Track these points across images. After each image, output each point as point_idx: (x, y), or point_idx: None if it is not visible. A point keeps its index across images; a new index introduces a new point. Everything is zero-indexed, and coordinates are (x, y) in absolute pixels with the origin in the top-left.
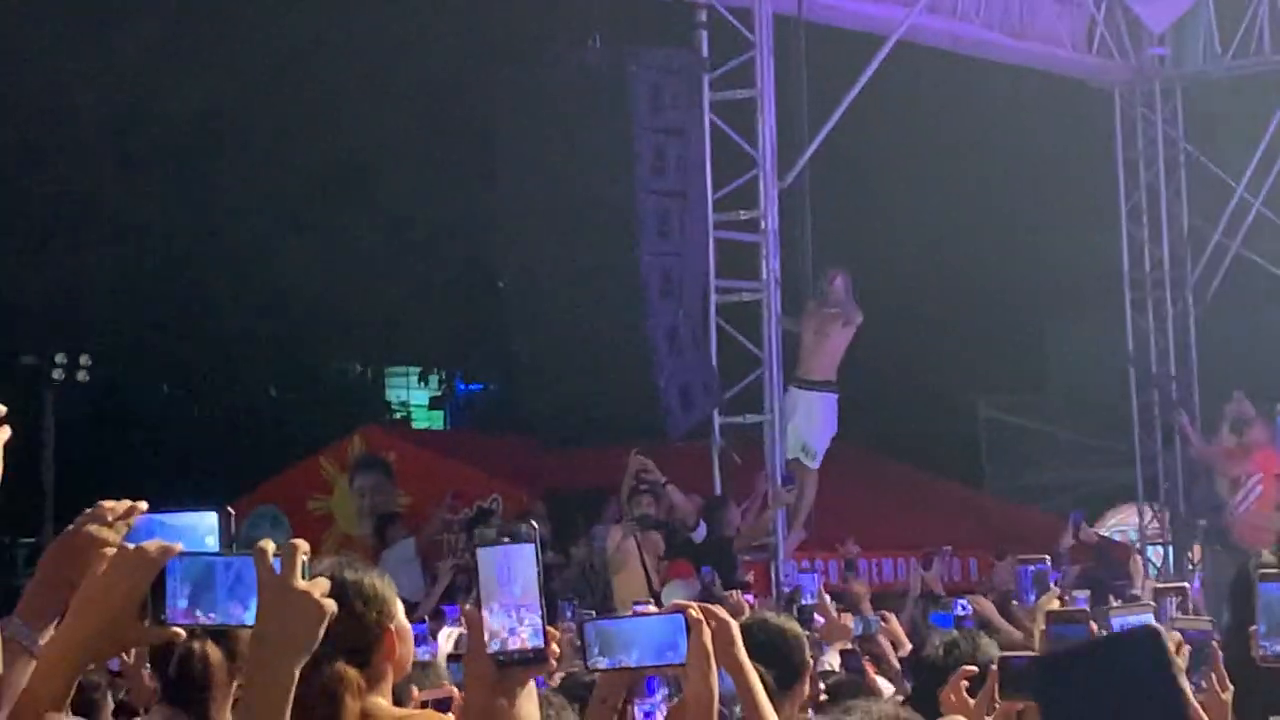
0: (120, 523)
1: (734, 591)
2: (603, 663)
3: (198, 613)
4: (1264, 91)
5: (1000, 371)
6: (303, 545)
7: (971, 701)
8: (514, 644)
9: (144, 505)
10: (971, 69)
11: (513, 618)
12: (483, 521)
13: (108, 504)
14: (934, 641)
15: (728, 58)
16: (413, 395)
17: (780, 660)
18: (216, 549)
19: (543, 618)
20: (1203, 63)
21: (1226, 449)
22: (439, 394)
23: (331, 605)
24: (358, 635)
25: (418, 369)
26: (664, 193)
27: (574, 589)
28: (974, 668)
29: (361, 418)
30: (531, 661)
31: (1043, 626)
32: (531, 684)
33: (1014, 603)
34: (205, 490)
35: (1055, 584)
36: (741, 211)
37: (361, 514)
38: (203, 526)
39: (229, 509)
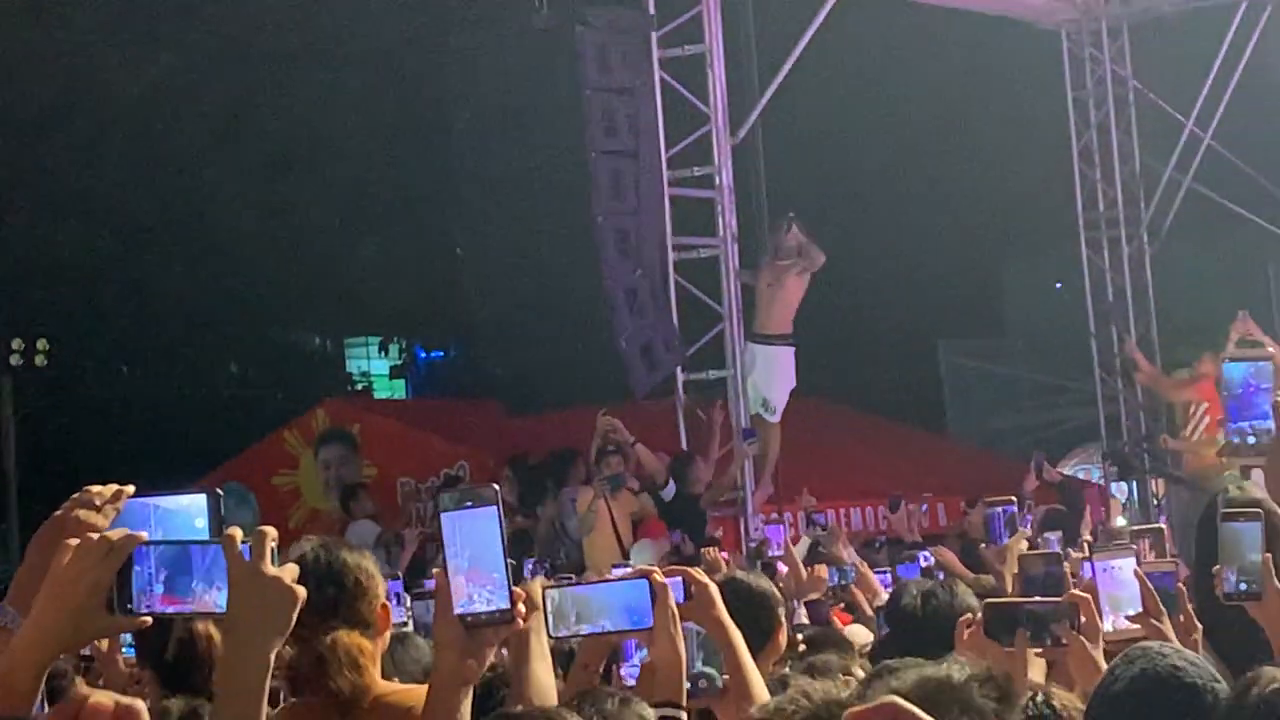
0: (109, 506)
1: (710, 549)
2: (563, 630)
3: (168, 600)
4: (1209, 27)
5: (959, 316)
6: (271, 532)
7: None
8: (480, 605)
9: (131, 489)
10: (919, 13)
11: (478, 579)
12: (449, 489)
13: (95, 488)
14: (910, 591)
15: (676, 14)
16: (373, 365)
17: (751, 618)
18: (207, 531)
19: (508, 578)
20: (1149, 1)
21: (1174, 380)
22: (399, 363)
23: (301, 591)
24: (367, 610)
25: (377, 339)
26: (617, 153)
27: (545, 551)
28: (969, 616)
29: (323, 390)
30: (498, 621)
31: (1015, 570)
32: (545, 649)
33: (983, 546)
34: (170, 470)
35: (1024, 527)
36: (695, 168)
37: (328, 486)
38: (193, 508)
39: (218, 490)
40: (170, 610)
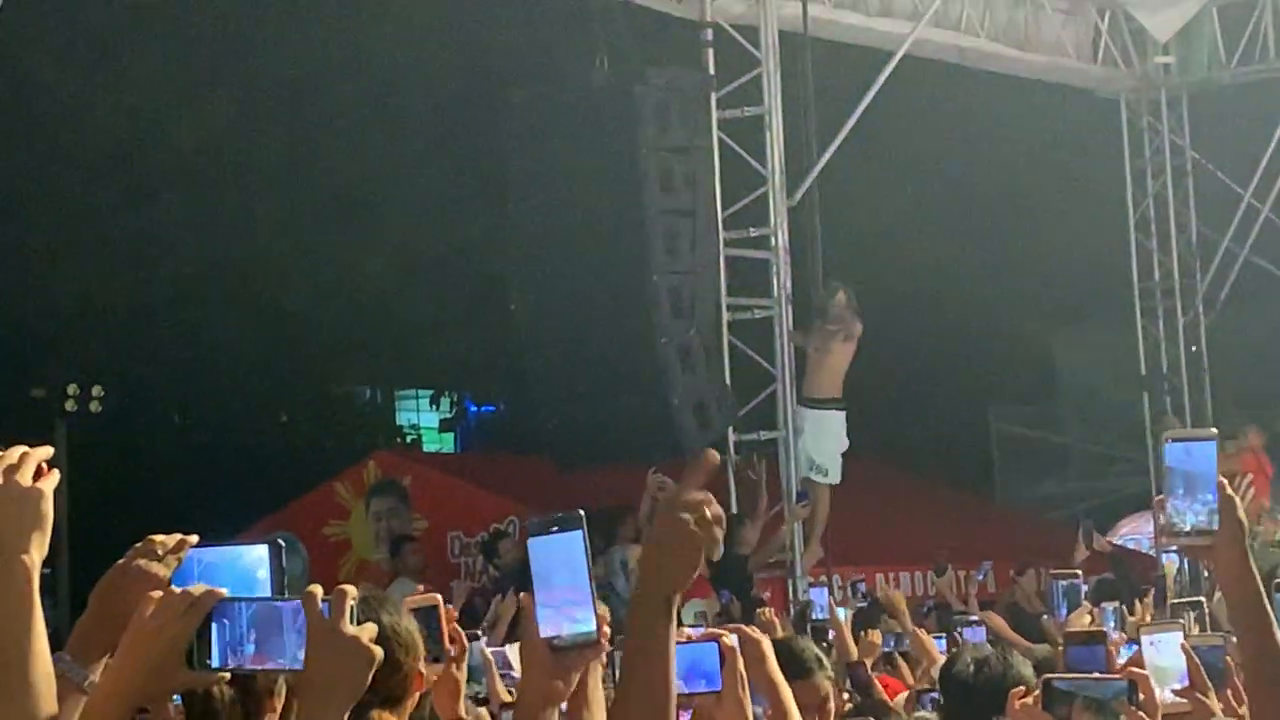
0: (171, 556)
1: (764, 609)
2: None
3: (259, 659)
4: (1269, 98)
5: (1011, 383)
6: (351, 590)
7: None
8: (567, 629)
9: (194, 539)
10: (978, 81)
11: (565, 603)
12: (496, 543)
13: (158, 538)
14: (965, 658)
15: (735, 75)
16: (423, 418)
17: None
18: (269, 582)
19: (593, 603)
20: (1207, 70)
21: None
22: (450, 416)
23: (379, 652)
24: (396, 683)
25: (429, 392)
26: (673, 212)
27: None
28: (1022, 688)
29: (372, 441)
30: (585, 646)
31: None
32: (598, 671)
33: (1044, 617)
34: (222, 518)
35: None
36: (752, 229)
37: (378, 538)
38: (253, 559)
39: (280, 542)
40: (259, 668)
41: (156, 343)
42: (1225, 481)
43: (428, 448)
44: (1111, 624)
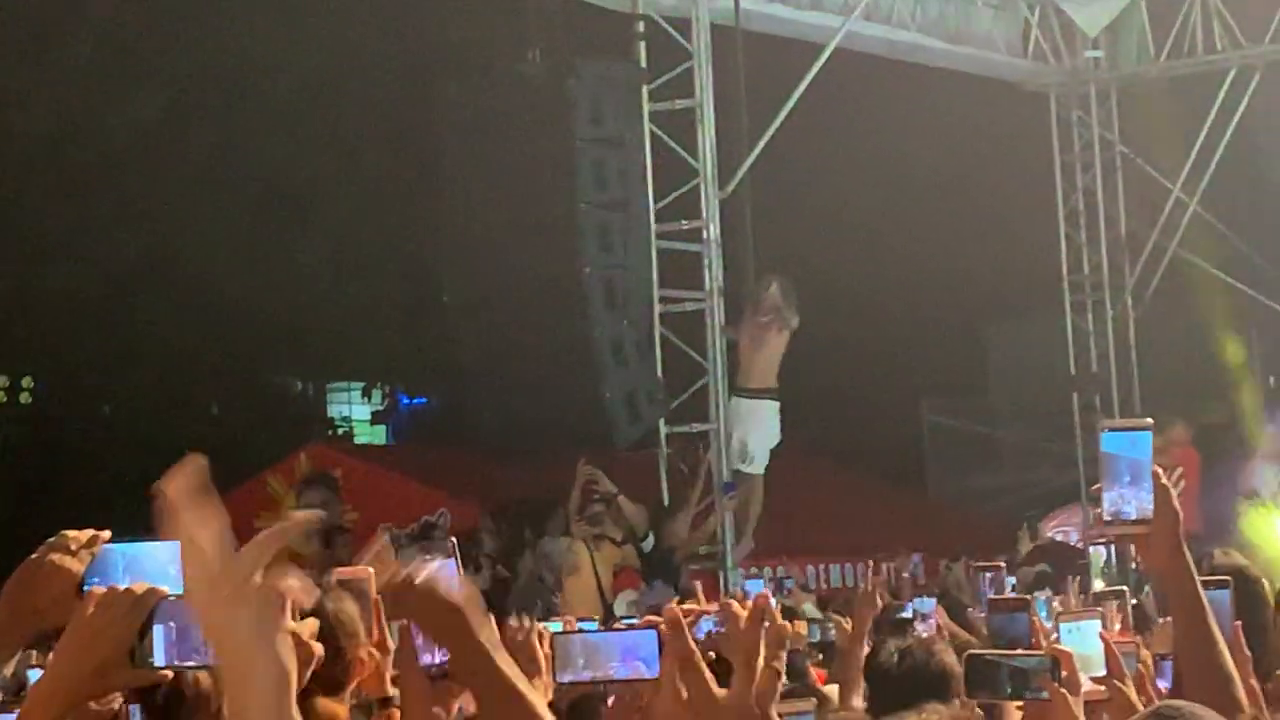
0: (84, 551)
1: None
2: (568, 676)
3: (190, 654)
4: (1198, 91)
5: (942, 375)
6: (291, 586)
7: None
8: (442, 657)
9: (106, 534)
10: (908, 75)
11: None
12: (427, 536)
13: (70, 533)
14: (888, 648)
15: (667, 68)
16: (355, 410)
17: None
18: (179, 577)
19: None
20: (1137, 64)
21: None
22: (381, 408)
23: (319, 649)
24: (340, 670)
25: (360, 384)
26: (605, 204)
27: (524, 602)
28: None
29: (304, 434)
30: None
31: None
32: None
33: (970, 610)
34: (151, 511)
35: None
36: (684, 221)
37: (310, 531)
38: (165, 555)
39: None
40: (203, 664)
41: (87, 334)
42: (1160, 471)
43: (359, 440)
44: (1044, 613)
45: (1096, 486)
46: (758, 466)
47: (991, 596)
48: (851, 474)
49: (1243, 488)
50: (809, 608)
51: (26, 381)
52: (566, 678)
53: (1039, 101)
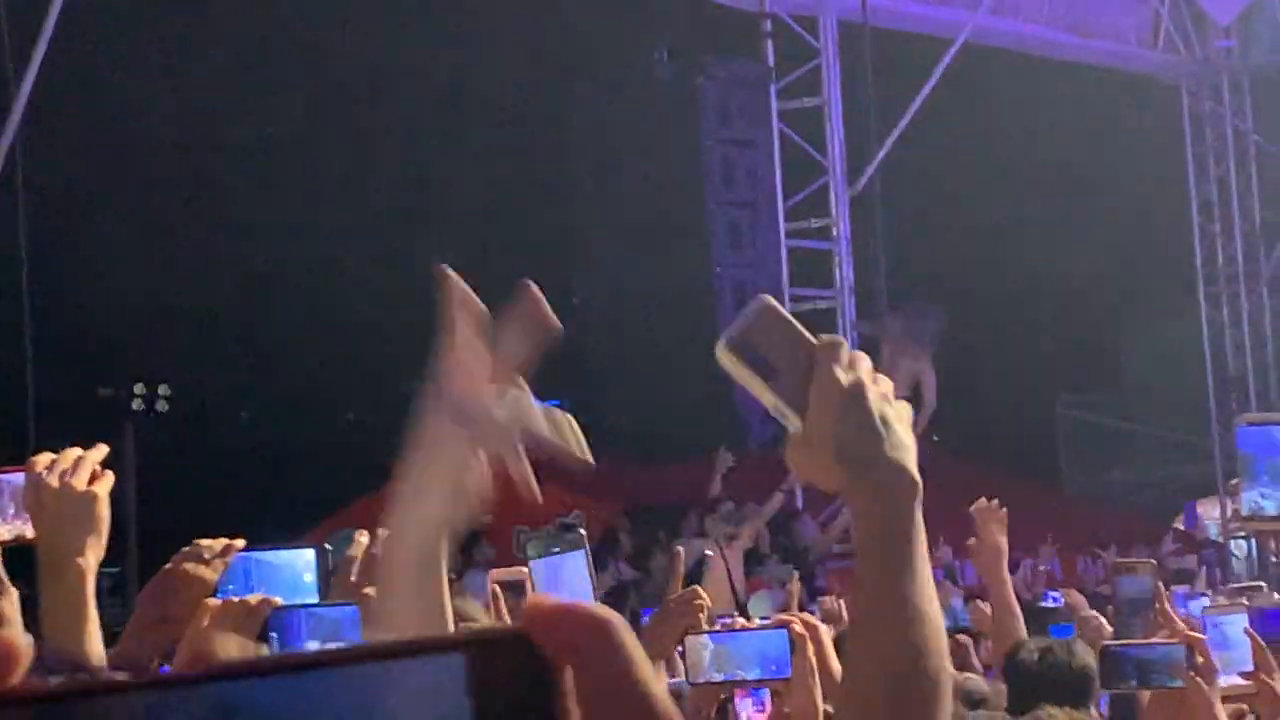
0: (218, 560)
1: (828, 597)
2: (701, 678)
3: None
4: None
5: (1077, 370)
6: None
7: None
8: None
9: (240, 543)
10: (1038, 68)
11: None
12: (534, 536)
13: (204, 542)
14: (1029, 646)
15: (794, 66)
16: None
17: None
18: (314, 586)
19: None
20: (1269, 54)
21: None
22: None
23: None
24: None
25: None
26: (735, 204)
27: (657, 601)
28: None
29: None
30: None
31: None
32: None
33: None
34: (288, 518)
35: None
36: (813, 219)
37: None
38: (300, 563)
39: (325, 545)
40: None
41: (223, 342)
42: None
43: None
44: (1185, 608)
45: (1235, 481)
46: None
47: (1117, 561)
48: (987, 470)
49: None
50: (955, 601)
51: (163, 390)
52: (700, 679)
53: (1171, 93)
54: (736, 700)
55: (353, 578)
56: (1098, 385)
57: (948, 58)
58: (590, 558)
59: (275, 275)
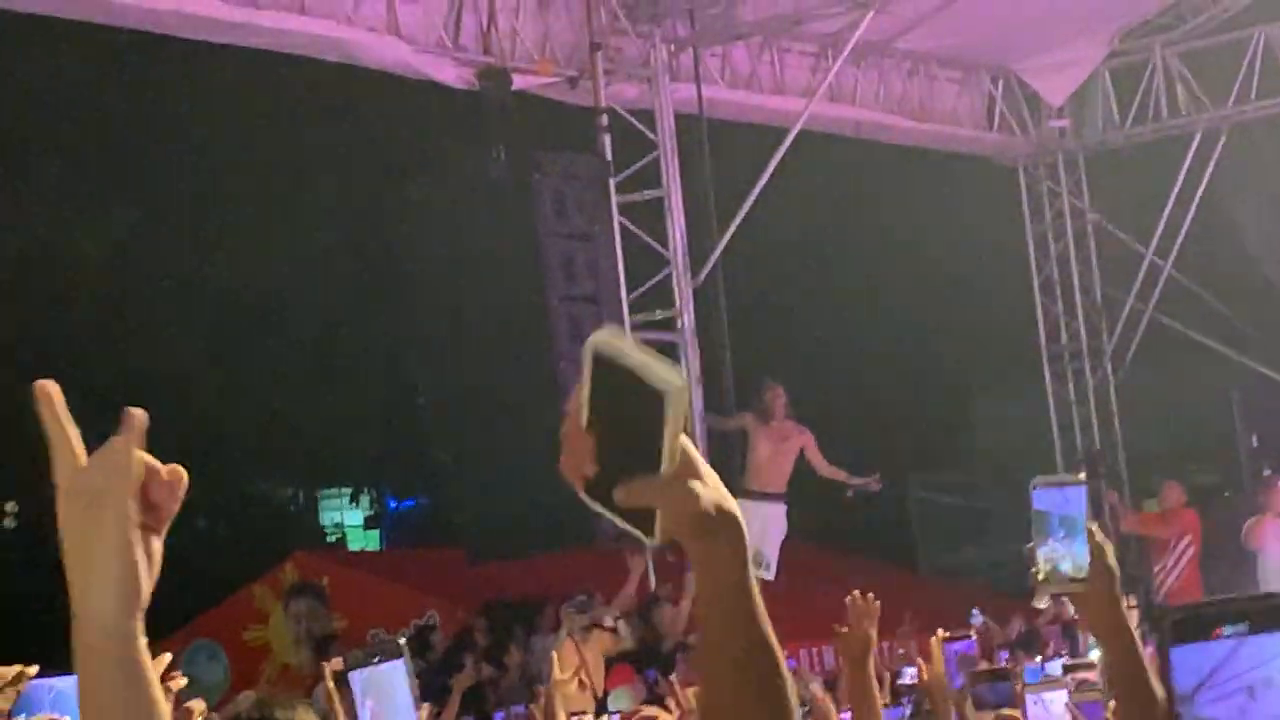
0: (10, 689)
1: (692, 689)
2: None
3: None
4: (1165, 156)
5: (927, 450)
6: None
7: None
8: None
9: (33, 670)
10: (876, 154)
11: None
12: (421, 639)
13: None
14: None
15: (632, 159)
16: (347, 516)
17: None
18: None
19: None
20: (1103, 132)
21: (1150, 515)
22: (372, 513)
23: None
24: None
25: (349, 489)
26: (577, 298)
27: (515, 698)
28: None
29: (297, 543)
30: None
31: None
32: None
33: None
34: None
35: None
36: (658, 311)
37: (298, 640)
38: None
39: None
40: None
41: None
42: (1095, 529)
43: (353, 546)
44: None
45: (1030, 545)
46: (770, 573)
47: (973, 672)
48: (841, 553)
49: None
50: (815, 687)
51: (10, 506)
52: None
53: (1008, 174)
54: None
55: None
56: (948, 465)
57: (785, 146)
58: (410, 665)
59: (119, 386)
